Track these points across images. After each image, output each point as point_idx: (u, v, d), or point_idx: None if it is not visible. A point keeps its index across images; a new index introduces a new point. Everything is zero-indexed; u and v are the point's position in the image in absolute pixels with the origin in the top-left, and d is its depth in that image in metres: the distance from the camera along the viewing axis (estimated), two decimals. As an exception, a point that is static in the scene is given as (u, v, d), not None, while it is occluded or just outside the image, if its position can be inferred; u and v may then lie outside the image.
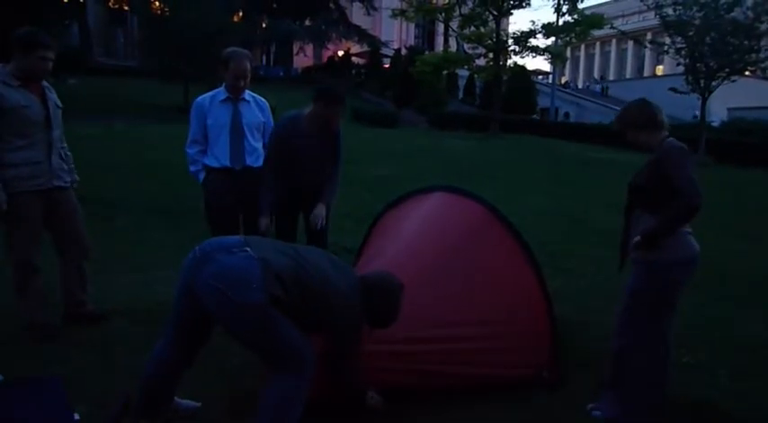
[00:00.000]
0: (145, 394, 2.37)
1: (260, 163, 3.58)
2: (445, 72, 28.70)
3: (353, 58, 42.82)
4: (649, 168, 2.52)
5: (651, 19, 25.78)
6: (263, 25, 37.58)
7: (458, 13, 24.02)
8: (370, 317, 2.33)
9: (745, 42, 16.77)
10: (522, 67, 28.07)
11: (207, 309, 2.10)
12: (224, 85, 3.53)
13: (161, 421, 2.42)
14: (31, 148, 3.12)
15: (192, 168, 3.61)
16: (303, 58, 42.55)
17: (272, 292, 2.03)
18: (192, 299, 2.14)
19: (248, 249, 2.10)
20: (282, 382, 2.13)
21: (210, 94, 3.58)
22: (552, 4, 23.51)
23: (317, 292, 2.15)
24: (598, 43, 60.10)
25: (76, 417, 2.42)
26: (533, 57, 27.28)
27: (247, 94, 3.58)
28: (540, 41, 25.96)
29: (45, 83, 3.26)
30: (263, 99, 3.69)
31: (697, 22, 17.25)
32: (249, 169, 3.54)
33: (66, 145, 3.42)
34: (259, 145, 3.61)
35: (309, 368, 2.15)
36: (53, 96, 3.29)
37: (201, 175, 3.58)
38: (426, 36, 52.79)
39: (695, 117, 19.54)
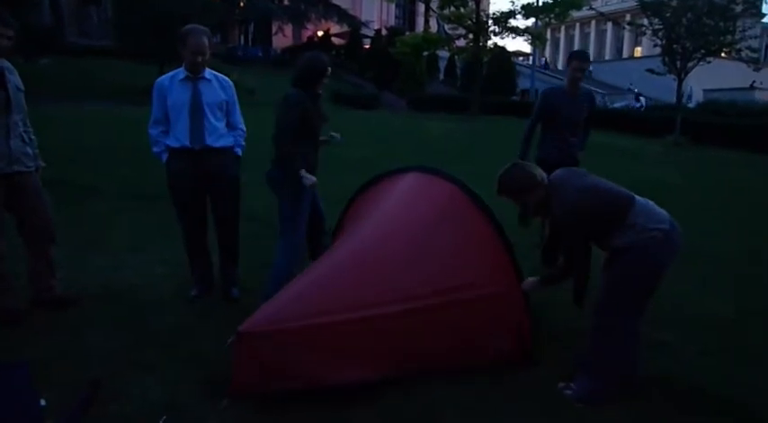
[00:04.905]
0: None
1: (222, 142, 3.51)
2: (425, 53, 28.51)
3: (333, 39, 42.32)
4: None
5: (630, 0, 25.81)
6: (241, 4, 36.85)
7: (438, -8, 23.80)
8: None
9: (721, 24, 16.92)
10: (503, 49, 27.99)
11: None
12: (183, 64, 3.45)
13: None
14: None
15: (154, 149, 3.53)
16: (282, 38, 41.91)
17: None
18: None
19: None
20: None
21: (171, 73, 3.48)
22: (532, -17, 23.36)
23: None
24: (578, 24, 60.14)
25: (43, 403, 2.37)
26: (513, 38, 27.19)
27: (208, 72, 3.48)
28: (521, 22, 25.90)
29: (7, 64, 3.14)
30: (225, 78, 3.59)
31: (674, 3, 17.35)
32: (210, 149, 3.46)
33: (31, 129, 3.32)
34: (221, 124, 3.52)
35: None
36: (14, 79, 3.16)
37: (164, 156, 3.51)
38: (407, 16, 52.38)
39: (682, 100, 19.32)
